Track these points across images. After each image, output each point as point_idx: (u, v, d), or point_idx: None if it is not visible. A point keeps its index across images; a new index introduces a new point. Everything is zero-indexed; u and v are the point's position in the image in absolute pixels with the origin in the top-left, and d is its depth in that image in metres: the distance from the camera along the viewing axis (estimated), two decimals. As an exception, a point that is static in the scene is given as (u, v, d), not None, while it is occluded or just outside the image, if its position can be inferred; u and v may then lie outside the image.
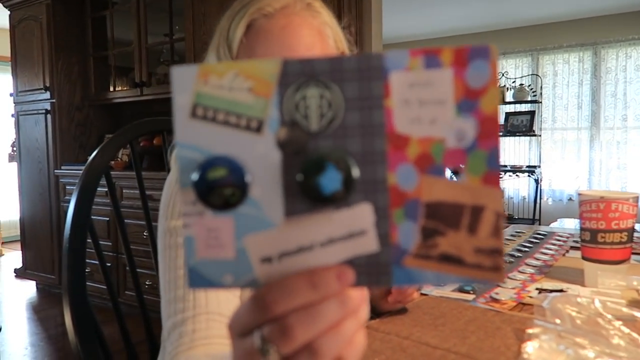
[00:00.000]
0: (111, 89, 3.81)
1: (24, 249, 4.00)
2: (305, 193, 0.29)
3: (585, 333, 0.61)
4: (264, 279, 0.31)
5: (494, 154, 0.30)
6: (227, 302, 0.67)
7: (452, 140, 0.30)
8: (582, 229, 0.94)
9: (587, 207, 0.92)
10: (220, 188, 0.29)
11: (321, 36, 0.72)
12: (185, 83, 0.30)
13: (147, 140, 3.43)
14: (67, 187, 3.59)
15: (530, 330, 0.64)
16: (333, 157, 0.29)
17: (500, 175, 0.31)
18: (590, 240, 0.92)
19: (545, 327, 0.62)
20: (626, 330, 0.62)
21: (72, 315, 0.79)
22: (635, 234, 1.27)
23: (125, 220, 3.14)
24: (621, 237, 0.90)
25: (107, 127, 3.92)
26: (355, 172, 0.29)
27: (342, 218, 0.30)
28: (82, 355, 0.77)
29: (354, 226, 0.30)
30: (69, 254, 0.81)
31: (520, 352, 0.62)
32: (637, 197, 0.91)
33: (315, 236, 0.30)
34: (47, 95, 3.63)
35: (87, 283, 2.89)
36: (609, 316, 0.65)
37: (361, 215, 0.30)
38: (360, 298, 0.32)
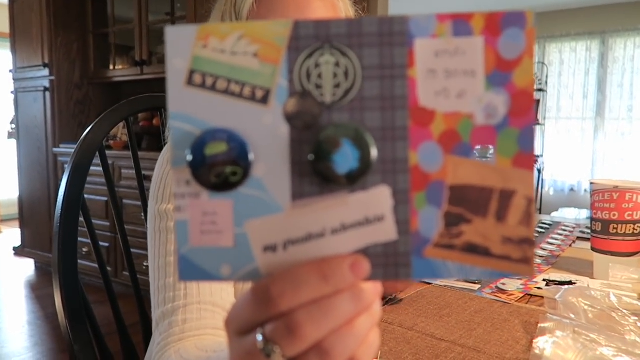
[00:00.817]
0: (111, 67, 3.76)
1: (22, 227, 3.98)
2: (316, 172, 0.26)
3: (600, 329, 0.58)
4: (267, 270, 0.27)
5: (527, 132, 0.27)
6: (220, 291, 0.64)
7: (481, 117, 0.27)
8: (593, 219, 0.91)
9: (600, 196, 0.89)
10: (220, 166, 0.26)
11: (334, 9, 0.69)
12: (181, 45, 0.26)
13: (147, 120, 3.39)
14: (66, 165, 3.55)
15: (542, 325, 0.61)
16: (349, 132, 0.26)
17: (534, 157, 0.28)
18: (602, 231, 0.89)
19: (560, 322, 0.59)
20: None
21: (62, 296, 0.76)
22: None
23: (125, 201, 3.11)
24: (634, 229, 0.87)
25: (107, 105, 3.88)
26: (374, 149, 0.26)
27: (357, 202, 0.27)
28: (72, 337, 0.75)
29: (370, 211, 0.27)
30: (60, 234, 0.78)
31: (530, 347, 0.59)
32: None
33: (326, 222, 0.27)
34: (46, 72, 3.58)
35: (86, 263, 2.86)
36: (625, 311, 0.62)
37: (379, 198, 0.27)
38: (374, 292, 0.29)
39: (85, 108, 3.77)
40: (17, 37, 3.79)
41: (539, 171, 5.73)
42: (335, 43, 0.26)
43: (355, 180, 0.26)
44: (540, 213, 5.67)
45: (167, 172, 0.69)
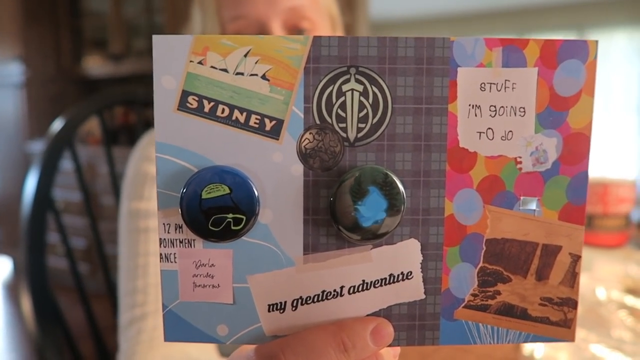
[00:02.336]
0: (86, 62, 3.64)
1: (-5, 225, 3.83)
2: (335, 223, 0.21)
3: (590, 326, 0.59)
4: (272, 332, 0.23)
5: (579, 181, 0.23)
6: None
7: (529, 162, 0.23)
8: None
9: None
10: (220, 212, 0.21)
11: None
12: (172, 59, 0.21)
13: (123, 115, 3.29)
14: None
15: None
16: (376, 178, 0.21)
17: (585, 210, 0.24)
18: (587, 225, 0.89)
19: None
20: (630, 321, 0.60)
21: (32, 300, 0.70)
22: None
23: (102, 198, 3.00)
24: (619, 222, 0.87)
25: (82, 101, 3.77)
26: (405, 198, 0.22)
27: (381, 256, 0.23)
28: (42, 342, 0.69)
29: (396, 267, 0.23)
30: (28, 235, 0.72)
31: (518, 346, 0.58)
32: (635, 182, 0.89)
33: (344, 279, 0.23)
34: (19, 67, 3.45)
35: (60, 260, 2.72)
36: (613, 306, 0.62)
37: (406, 253, 0.23)
38: (394, 357, 0.25)
39: (59, 104, 3.65)
40: (-13, 26, 3.64)
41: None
42: (362, 67, 0.22)
43: (381, 235, 0.22)
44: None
45: (141, 169, 0.64)
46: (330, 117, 0.22)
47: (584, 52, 0.22)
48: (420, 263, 0.23)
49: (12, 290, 3.39)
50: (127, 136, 3.30)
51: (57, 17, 3.61)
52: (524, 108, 0.22)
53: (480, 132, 0.22)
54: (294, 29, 0.61)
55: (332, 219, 0.21)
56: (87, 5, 3.53)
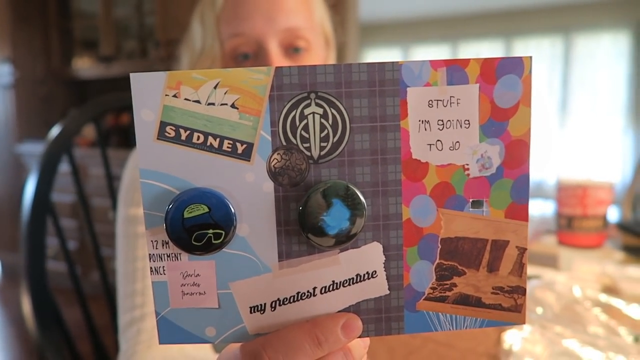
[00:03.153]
0: (76, 63, 3.64)
1: (-16, 228, 3.84)
2: (305, 231, 0.24)
3: (565, 322, 0.61)
4: (255, 331, 0.26)
5: (522, 183, 0.26)
6: None
7: (475, 168, 0.26)
8: (559, 215, 0.94)
9: (565, 193, 0.91)
10: (201, 229, 0.24)
11: (307, 5, 0.66)
12: (149, 94, 0.24)
13: (114, 117, 3.30)
14: (30, 164, 3.44)
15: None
16: (339, 191, 0.24)
17: (528, 207, 0.27)
18: (567, 226, 0.92)
19: (527, 317, 0.61)
20: (604, 317, 0.62)
21: (32, 301, 0.73)
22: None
23: (92, 199, 3.02)
24: (597, 224, 0.90)
25: (73, 103, 3.76)
26: (365, 208, 0.25)
27: (348, 259, 0.26)
28: (42, 343, 0.72)
29: (361, 268, 0.26)
30: (28, 237, 0.75)
31: (499, 340, 0.60)
32: (613, 184, 0.92)
33: (316, 280, 0.26)
34: (8, 68, 3.45)
35: (54, 264, 2.74)
36: (588, 304, 0.65)
37: (370, 255, 0.26)
38: (364, 347, 0.28)
39: (49, 105, 3.65)
40: (-25, 31, 3.63)
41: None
42: (321, 92, 0.24)
43: (346, 240, 0.25)
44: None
45: (136, 177, 0.67)
46: (295, 138, 0.24)
47: (519, 68, 0.25)
48: (384, 263, 0.26)
49: (1, 292, 3.42)
50: (119, 138, 3.31)
51: (47, 18, 3.60)
52: (468, 120, 0.25)
53: (430, 144, 0.25)
54: (290, 48, 0.64)
55: (301, 228, 0.24)
56: (77, 6, 3.52)
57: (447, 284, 0.27)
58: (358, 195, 0.24)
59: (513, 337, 0.58)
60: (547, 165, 5.92)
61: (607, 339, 0.57)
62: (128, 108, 0.98)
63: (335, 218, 0.24)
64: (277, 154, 0.24)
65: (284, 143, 0.24)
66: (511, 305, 0.28)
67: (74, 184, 0.88)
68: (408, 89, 0.25)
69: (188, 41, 0.71)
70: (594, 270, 0.85)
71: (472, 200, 0.26)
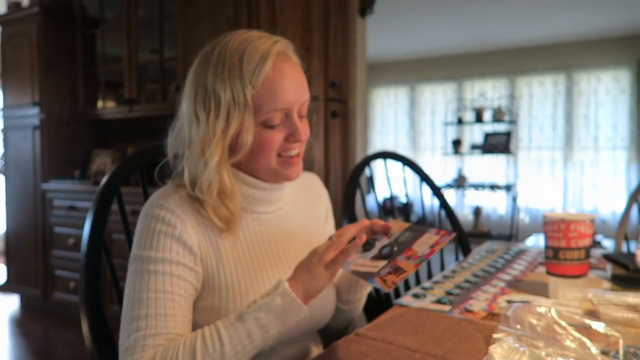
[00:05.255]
0: (100, 105, 3.87)
1: (8, 262, 3.99)
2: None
3: (542, 337, 0.71)
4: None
5: None
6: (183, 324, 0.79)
7: None
8: (546, 247, 1.06)
9: (550, 227, 1.04)
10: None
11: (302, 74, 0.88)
12: None
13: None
14: (54, 201, 3.62)
15: (495, 335, 0.74)
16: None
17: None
18: (553, 257, 1.03)
19: (508, 332, 0.72)
20: (577, 334, 0.73)
21: (89, 323, 0.87)
22: (593, 251, 1.39)
23: (112, 235, 3.16)
24: (579, 254, 1.01)
25: (95, 142, 3.97)
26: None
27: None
28: (98, 357, 0.86)
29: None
30: (86, 270, 0.89)
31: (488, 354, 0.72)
32: (594, 219, 1.03)
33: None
34: (36, 110, 3.67)
35: (71, 297, 2.88)
36: (564, 323, 0.76)
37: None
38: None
39: (73, 145, 3.85)
40: (8, 77, 3.89)
41: (514, 199, 5.95)
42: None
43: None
44: (517, 240, 5.86)
45: (151, 227, 0.80)
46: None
47: None
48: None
49: (22, 325, 3.53)
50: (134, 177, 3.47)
51: (74, 63, 3.84)
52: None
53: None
54: (301, 116, 0.88)
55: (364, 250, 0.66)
56: (102, 51, 3.76)
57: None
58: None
59: (496, 349, 0.68)
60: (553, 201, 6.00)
61: (577, 352, 0.67)
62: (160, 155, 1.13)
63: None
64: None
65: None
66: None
67: (124, 226, 1.02)
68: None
69: (204, 101, 0.82)
70: (577, 297, 0.96)
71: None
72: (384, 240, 0.78)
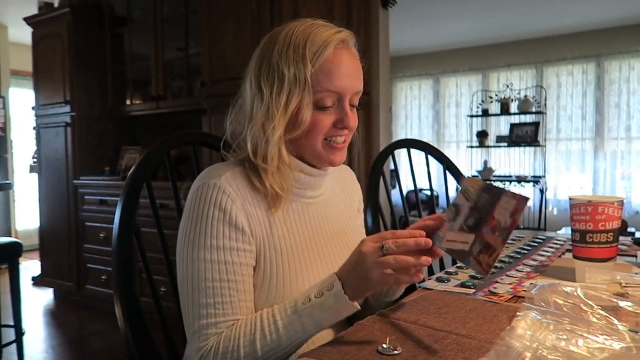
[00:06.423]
0: (128, 102, 3.96)
1: (42, 256, 4.12)
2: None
3: (568, 315, 0.71)
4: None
5: None
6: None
7: None
8: (573, 230, 1.04)
9: (577, 210, 1.02)
10: None
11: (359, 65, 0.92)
12: None
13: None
14: (85, 196, 3.72)
15: (519, 313, 0.74)
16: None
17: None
18: (580, 240, 1.02)
19: (532, 308, 0.72)
20: (604, 313, 0.72)
21: (122, 306, 0.90)
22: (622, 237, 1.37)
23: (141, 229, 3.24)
24: (607, 237, 1.00)
25: (124, 139, 4.06)
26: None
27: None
28: (131, 341, 0.89)
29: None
30: (118, 258, 0.93)
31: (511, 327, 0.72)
32: (622, 201, 1.02)
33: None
34: (67, 108, 3.78)
35: (103, 289, 2.96)
36: (591, 302, 0.75)
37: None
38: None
39: (103, 141, 3.95)
40: (40, 76, 4.01)
41: (542, 191, 5.84)
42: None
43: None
44: (544, 231, 5.75)
45: (204, 212, 0.82)
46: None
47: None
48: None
49: (57, 316, 3.64)
50: (164, 171, 3.54)
51: (104, 62, 3.93)
52: None
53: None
54: (352, 105, 0.91)
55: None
56: (129, 50, 3.84)
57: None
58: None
59: (519, 321, 0.68)
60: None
61: (602, 328, 0.66)
62: (192, 142, 1.16)
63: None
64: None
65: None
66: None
67: (154, 215, 1.05)
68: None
69: (267, 77, 0.86)
70: (605, 279, 0.94)
71: None
72: (464, 204, 0.77)
